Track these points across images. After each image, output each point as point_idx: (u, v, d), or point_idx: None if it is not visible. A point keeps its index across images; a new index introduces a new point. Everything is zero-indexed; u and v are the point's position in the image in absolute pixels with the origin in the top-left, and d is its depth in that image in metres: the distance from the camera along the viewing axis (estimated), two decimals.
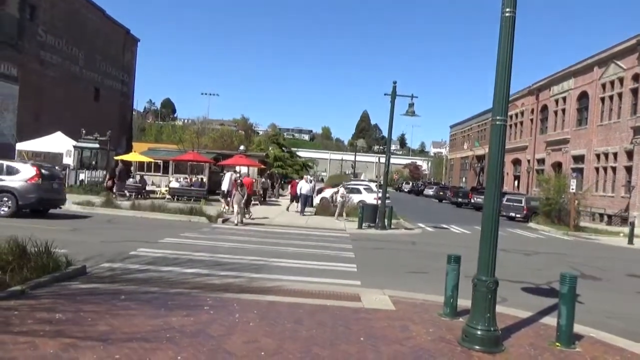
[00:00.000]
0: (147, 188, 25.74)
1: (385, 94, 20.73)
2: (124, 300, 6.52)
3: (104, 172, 27.23)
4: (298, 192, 23.07)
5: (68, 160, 27.29)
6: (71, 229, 13.31)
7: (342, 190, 22.87)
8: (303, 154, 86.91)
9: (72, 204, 18.91)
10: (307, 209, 23.06)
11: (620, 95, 32.64)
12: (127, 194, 23.57)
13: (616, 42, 33.67)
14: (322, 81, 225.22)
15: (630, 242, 20.58)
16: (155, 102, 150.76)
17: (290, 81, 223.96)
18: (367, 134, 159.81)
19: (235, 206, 17.47)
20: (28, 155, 25.58)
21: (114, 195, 22.79)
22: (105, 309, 6.06)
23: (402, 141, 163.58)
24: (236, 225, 17.09)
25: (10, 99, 29.53)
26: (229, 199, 21.76)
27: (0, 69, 28.69)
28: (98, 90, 40.03)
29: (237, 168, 29.48)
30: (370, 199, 25.02)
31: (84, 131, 27.69)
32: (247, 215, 18.71)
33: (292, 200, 24.82)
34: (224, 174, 23.32)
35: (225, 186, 22.14)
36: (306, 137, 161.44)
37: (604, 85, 34.65)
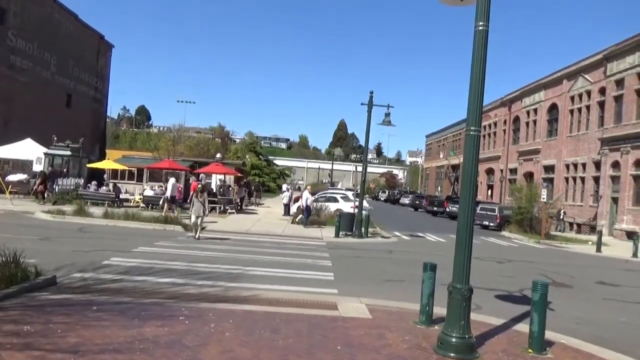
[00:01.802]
0: (121, 196, 25.23)
1: (362, 104, 20.95)
2: (96, 311, 6.36)
3: (77, 180, 26.65)
4: (304, 203, 22.09)
5: (38, 168, 26.58)
6: (41, 238, 12.94)
7: (305, 193, 22.52)
8: (280, 162, 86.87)
9: (41, 212, 18.43)
10: (286, 217, 22.89)
11: (588, 107, 33.76)
12: (51, 196, 22.70)
13: (584, 56, 34.93)
14: (299, 89, 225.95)
15: (599, 250, 21.17)
16: (129, 109, 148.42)
17: (268, 89, 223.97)
18: (344, 143, 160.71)
19: (193, 217, 15.14)
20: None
21: (44, 200, 22.27)
22: (77, 320, 5.90)
23: (378, 150, 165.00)
24: (196, 238, 14.98)
25: None
26: (173, 205, 21.70)
27: None
28: (70, 96, 39.20)
29: (201, 175, 29.22)
30: (347, 207, 25.12)
31: (55, 138, 27.06)
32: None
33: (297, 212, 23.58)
34: (168, 179, 22.93)
35: (168, 192, 21.91)
36: (283, 145, 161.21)
37: (572, 98, 35.78)
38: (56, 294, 7.12)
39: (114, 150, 56.80)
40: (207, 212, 15.89)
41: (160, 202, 23.03)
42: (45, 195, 22.87)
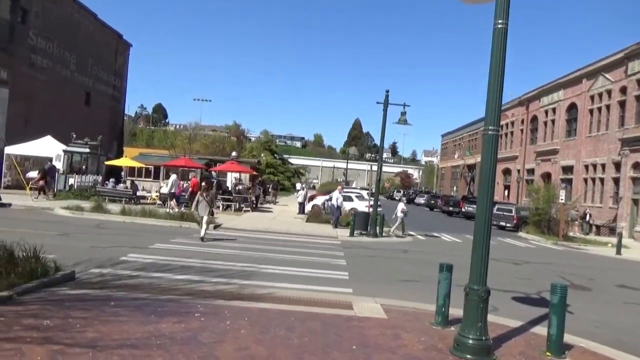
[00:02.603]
0: (138, 193, 25.55)
1: (377, 103, 20.86)
2: (114, 307, 6.44)
3: (95, 177, 27.03)
4: (335, 203, 21.62)
5: (57, 165, 27.03)
6: (60, 234, 13.16)
7: (336, 193, 22.01)
8: (295, 161, 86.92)
9: (60, 208, 18.74)
10: (301, 215, 22.74)
11: (608, 107, 33.14)
12: (51, 192, 22.67)
13: (604, 55, 34.28)
14: (314, 88, 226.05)
15: (619, 252, 20.78)
16: (147, 107, 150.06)
17: (283, 88, 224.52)
18: (359, 142, 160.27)
19: (205, 217, 14.17)
20: (16, 159, 25.30)
21: (44, 196, 22.42)
22: (95, 315, 5.98)
23: (393, 149, 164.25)
24: (202, 240, 13.85)
25: (0, 102, 29.25)
26: (172, 202, 21.75)
27: None
28: (89, 94, 39.76)
29: (213, 172, 29.27)
30: (362, 206, 25.05)
31: (74, 135, 27.48)
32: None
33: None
34: (170, 175, 23.02)
35: (167, 188, 21.99)
36: (298, 144, 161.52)
37: (592, 97, 35.15)
38: (75, 289, 7.22)
39: (131, 148, 57.50)
40: (214, 211, 15.31)
41: (159, 200, 23.18)
42: (45, 190, 23.03)
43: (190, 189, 22.41)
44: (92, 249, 11.18)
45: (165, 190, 22.00)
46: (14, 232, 10.75)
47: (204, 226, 14.17)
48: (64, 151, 26.84)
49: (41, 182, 22.77)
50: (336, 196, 21.81)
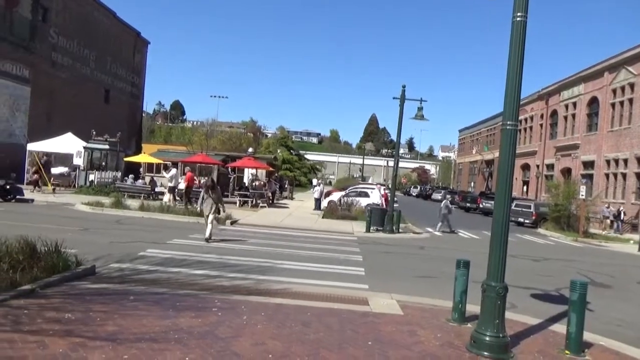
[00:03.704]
0: (156, 189, 25.87)
1: (394, 98, 20.70)
2: (133, 301, 6.55)
3: (114, 173, 27.46)
4: (378, 200, 20.91)
5: (78, 161, 27.55)
6: (81, 229, 13.41)
7: (445, 202, 21.51)
8: (311, 156, 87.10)
9: (81, 204, 19.08)
10: (317, 211, 22.33)
11: (631, 100, 32.38)
12: (54, 185, 22.68)
13: (627, 47, 33.46)
14: (330, 84, 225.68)
15: None
16: (164, 104, 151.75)
17: (299, 84, 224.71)
18: (376, 138, 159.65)
19: (210, 216, 13.09)
20: (38, 155, 25.83)
21: (39, 189, 22.65)
22: (114, 309, 6.09)
23: (410, 145, 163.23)
24: (207, 240, 12.80)
25: (22, 100, 29.90)
26: (170, 195, 21.86)
27: (13, 70, 29.04)
28: (108, 91, 40.39)
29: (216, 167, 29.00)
30: (377, 198, 24.85)
31: (94, 132, 27.97)
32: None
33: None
34: (170, 169, 23.16)
35: (170, 182, 22.13)
36: (314, 140, 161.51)
37: (614, 91, 34.38)
38: (95, 284, 7.36)
39: (149, 144, 58.17)
40: (221, 210, 13.69)
41: (152, 194, 23.39)
42: (40, 184, 23.28)
43: (185, 183, 22.66)
44: (112, 244, 11.37)
45: (171, 183, 22.23)
46: (36, 227, 11.01)
47: (209, 226, 12.98)
48: (85, 148, 27.33)
49: (35, 176, 22.84)
50: (377, 195, 21.20)
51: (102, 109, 38.20)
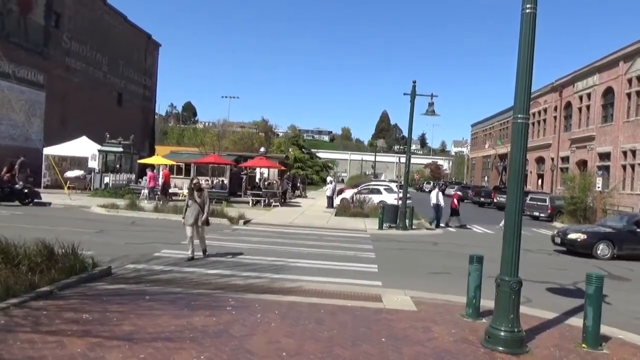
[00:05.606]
0: (170, 191, 26.09)
1: (404, 94, 20.57)
2: (149, 301, 6.64)
3: (128, 175, 27.76)
4: (435, 201, 20.68)
5: (93, 164, 27.92)
6: (97, 231, 13.60)
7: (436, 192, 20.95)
8: (323, 154, 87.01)
9: (96, 206, 19.34)
10: (330, 209, 22.29)
11: None
12: (22, 186, 21.08)
13: None
14: (341, 82, 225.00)
15: None
16: (176, 106, 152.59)
17: (310, 83, 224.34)
18: (387, 134, 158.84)
19: (189, 228, 10.25)
20: (55, 159, 26.21)
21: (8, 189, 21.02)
22: (131, 309, 6.18)
23: (422, 141, 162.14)
24: (189, 258, 10.11)
25: (37, 105, 30.37)
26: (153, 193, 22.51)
27: (28, 76, 29.50)
28: (121, 94, 40.83)
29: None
30: (391, 199, 24.87)
31: (108, 135, 28.32)
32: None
33: (452, 214, 22.00)
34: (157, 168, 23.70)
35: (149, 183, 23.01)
36: (326, 138, 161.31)
37: (630, 81, 33.77)
38: (111, 284, 7.47)
39: (162, 146, 58.62)
40: (206, 218, 10.55)
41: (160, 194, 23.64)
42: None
43: (162, 179, 23.33)
44: (127, 246, 11.51)
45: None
46: (54, 230, 11.20)
47: (194, 241, 10.31)
48: (99, 151, 27.68)
49: (7, 176, 21.24)
50: (436, 194, 21.06)
51: (115, 112, 38.64)
